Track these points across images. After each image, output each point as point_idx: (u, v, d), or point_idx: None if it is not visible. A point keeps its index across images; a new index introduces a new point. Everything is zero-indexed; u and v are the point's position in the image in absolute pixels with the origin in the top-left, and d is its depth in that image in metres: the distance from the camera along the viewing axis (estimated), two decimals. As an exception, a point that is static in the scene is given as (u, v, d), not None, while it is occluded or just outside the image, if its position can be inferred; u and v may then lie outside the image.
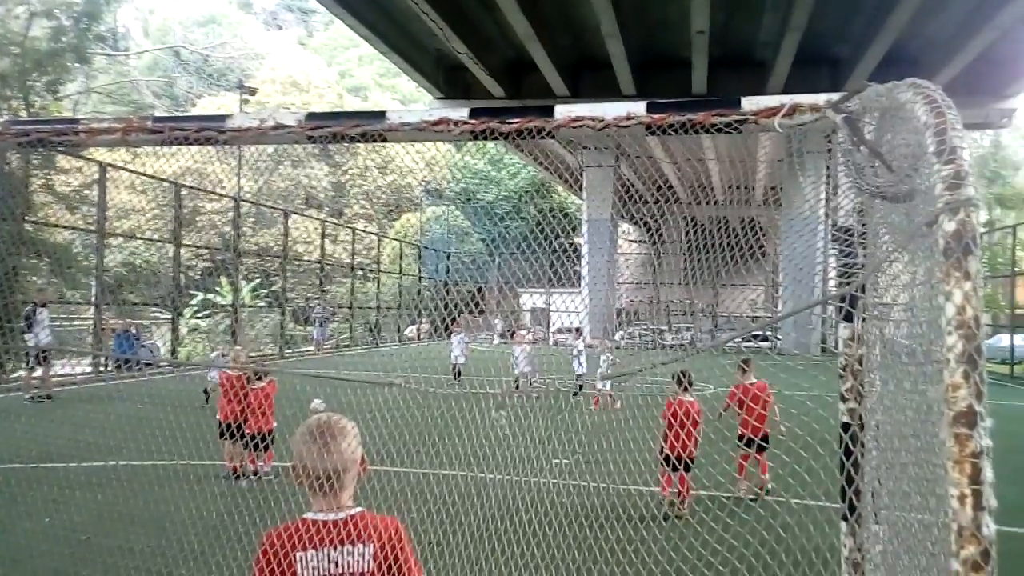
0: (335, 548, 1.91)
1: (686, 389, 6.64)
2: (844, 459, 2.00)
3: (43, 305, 13.48)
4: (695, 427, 6.45)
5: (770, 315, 40.56)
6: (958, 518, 1.46)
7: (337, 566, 1.90)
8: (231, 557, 4.25)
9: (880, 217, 2.07)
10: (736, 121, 2.44)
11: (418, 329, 34.45)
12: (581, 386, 13.25)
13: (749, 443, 6.66)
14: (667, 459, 6.31)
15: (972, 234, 1.53)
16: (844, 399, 2.08)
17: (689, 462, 6.39)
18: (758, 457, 7.00)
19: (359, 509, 1.98)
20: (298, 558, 1.89)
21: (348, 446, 1.98)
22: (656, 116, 2.55)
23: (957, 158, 1.59)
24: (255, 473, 7.53)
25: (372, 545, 1.92)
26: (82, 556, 5.00)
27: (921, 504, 1.66)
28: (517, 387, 13.66)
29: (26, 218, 17.75)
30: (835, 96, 2.27)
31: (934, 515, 1.57)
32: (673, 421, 6.35)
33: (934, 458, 1.57)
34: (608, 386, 12.03)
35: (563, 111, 2.69)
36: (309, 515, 1.96)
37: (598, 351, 14.26)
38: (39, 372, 13.18)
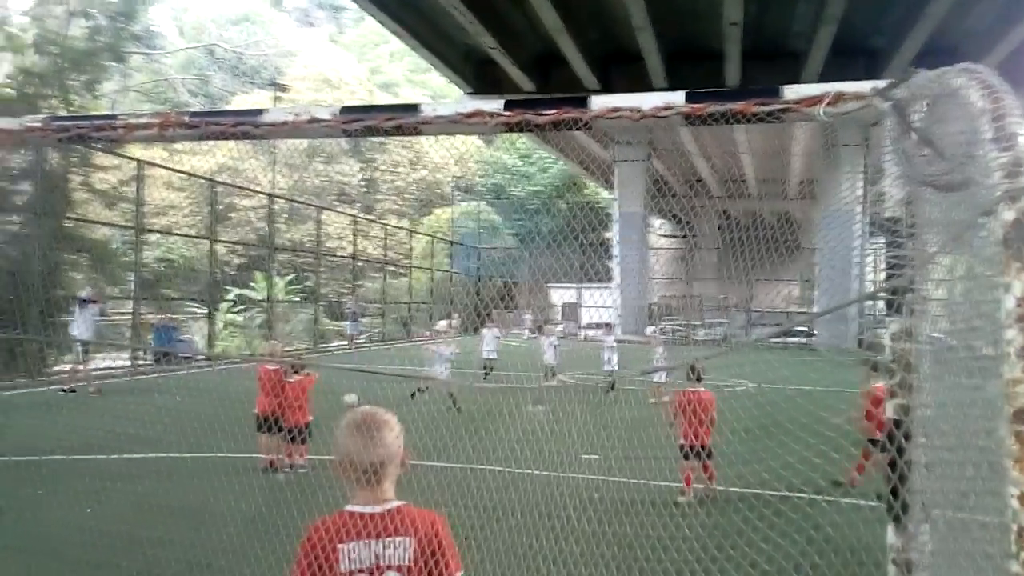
0: (376, 540, 1.92)
1: (699, 380, 7.01)
2: (897, 456, 1.94)
3: (93, 301, 13.73)
4: (706, 414, 6.68)
5: (805, 310, 40.12)
6: (1018, 518, 1.41)
7: (378, 558, 1.91)
8: (269, 550, 4.27)
9: (930, 208, 2.01)
10: (778, 110, 2.38)
11: (450, 324, 34.54)
12: (613, 383, 13.10)
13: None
14: (684, 450, 6.61)
15: (1033, 223, 1.47)
16: (893, 395, 2.02)
17: (702, 449, 6.59)
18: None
19: (400, 502, 1.99)
20: (340, 549, 1.90)
21: (391, 439, 1.99)
22: (695, 106, 2.50)
23: (1016, 145, 1.53)
24: (291, 466, 7.59)
25: (412, 538, 1.92)
26: (123, 547, 5.07)
27: (978, 504, 1.61)
28: (545, 377, 13.72)
29: (66, 215, 18.08)
30: (881, 83, 2.20)
31: (993, 515, 1.52)
32: (684, 411, 6.65)
33: (993, 456, 1.52)
34: (663, 376, 11.84)
35: (599, 102, 2.65)
36: (350, 507, 1.97)
37: (651, 346, 14.15)
38: (81, 365, 13.41)
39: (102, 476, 6.42)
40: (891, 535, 2.10)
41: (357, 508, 1.96)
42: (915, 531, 1.98)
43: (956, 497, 1.75)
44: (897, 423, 1.99)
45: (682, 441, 6.60)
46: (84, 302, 13.35)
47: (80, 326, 13.16)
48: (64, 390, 12.97)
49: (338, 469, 2.01)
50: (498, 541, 4.21)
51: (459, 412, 10.68)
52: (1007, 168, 1.49)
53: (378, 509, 1.95)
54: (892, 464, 1.98)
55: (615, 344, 14.57)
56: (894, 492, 1.96)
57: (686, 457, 6.59)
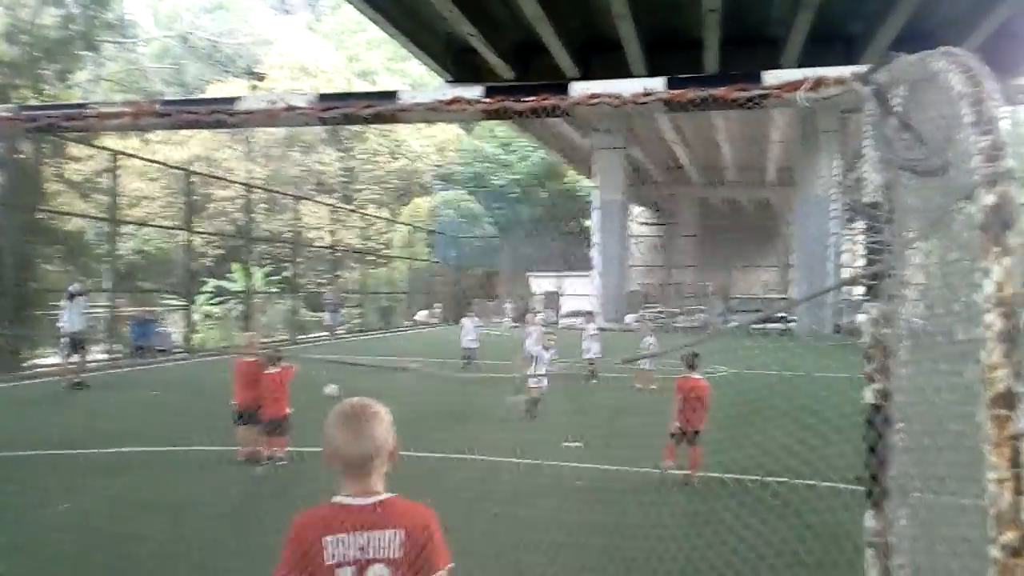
0: (363, 533, 1.89)
1: (693, 368, 7.07)
2: (874, 442, 1.95)
3: (82, 294, 13.54)
4: (701, 402, 6.82)
5: (783, 296, 40.39)
6: (997, 503, 1.41)
7: (364, 551, 1.88)
8: (246, 543, 4.25)
9: (909, 192, 2.01)
10: (759, 96, 2.37)
11: (430, 313, 34.50)
12: (594, 371, 13.06)
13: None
14: (677, 432, 6.73)
15: (1011, 207, 1.47)
16: (872, 379, 2.03)
17: (695, 435, 6.72)
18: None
19: (389, 495, 1.97)
20: (325, 541, 1.88)
21: (381, 431, 1.97)
22: (675, 92, 2.48)
23: (995, 128, 1.53)
24: (269, 459, 7.53)
25: (401, 531, 1.90)
26: (99, 543, 5.01)
27: (958, 488, 1.61)
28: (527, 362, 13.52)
29: (39, 207, 17.81)
30: (862, 68, 2.19)
31: (971, 499, 1.52)
32: (686, 399, 6.77)
33: (970, 441, 1.52)
34: (650, 364, 11.82)
35: (579, 88, 2.63)
36: (339, 499, 1.95)
37: (640, 334, 13.80)
38: (75, 359, 13.18)
39: (78, 471, 6.35)
40: (869, 519, 2.11)
41: (344, 500, 1.93)
42: (893, 516, 1.99)
43: (934, 482, 1.76)
44: (876, 408, 2.00)
45: (677, 424, 6.70)
46: (72, 295, 13.16)
47: (71, 319, 12.97)
48: (77, 383, 12.71)
49: (326, 460, 1.98)
50: (477, 531, 4.20)
51: (532, 419, 10.04)
52: (986, 152, 1.49)
53: (366, 501, 1.92)
54: (872, 449, 1.98)
55: (596, 332, 14.46)
56: (873, 477, 1.97)
57: (677, 441, 6.72)
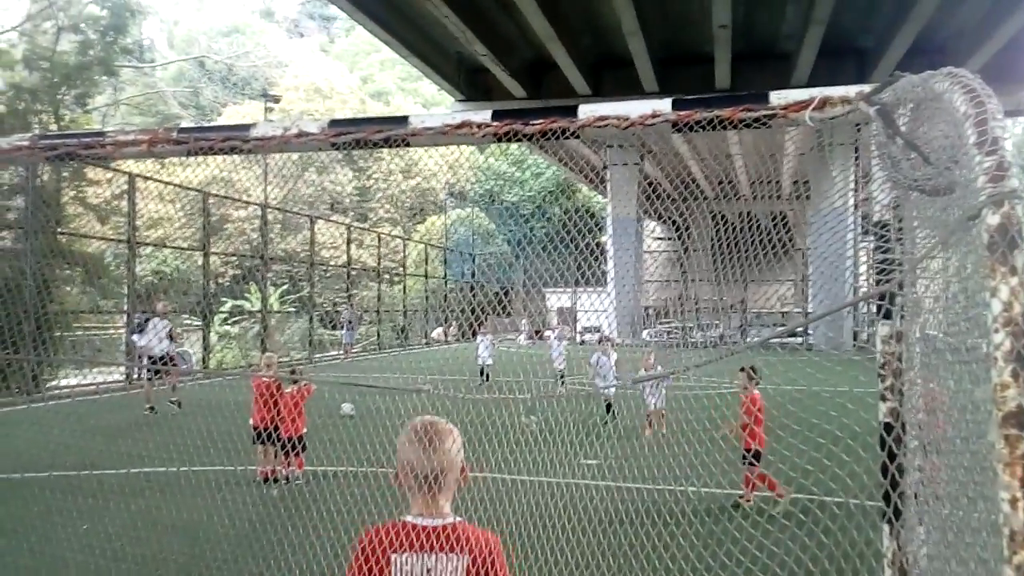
0: (429, 554, 1.89)
1: (756, 383, 6.80)
2: (888, 461, 1.95)
3: (163, 315, 13.59)
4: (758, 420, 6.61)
5: (800, 310, 40.20)
6: (1010, 522, 1.41)
7: (430, 573, 1.88)
8: (266, 563, 4.26)
9: (918, 211, 2.02)
10: (765, 116, 2.39)
11: (445, 331, 34.56)
12: (609, 404, 11.52)
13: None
14: (752, 455, 6.49)
15: (1017, 227, 1.47)
16: (884, 398, 2.03)
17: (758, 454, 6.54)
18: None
19: (457, 519, 1.97)
20: (393, 560, 1.89)
21: (451, 449, 1.97)
22: (682, 113, 2.51)
23: (999, 149, 1.53)
24: (287, 478, 7.57)
25: (466, 556, 1.89)
26: (120, 565, 5.04)
27: (970, 508, 1.61)
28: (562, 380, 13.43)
29: (59, 230, 18.03)
30: (866, 87, 2.21)
31: (985, 519, 1.52)
32: (759, 415, 6.53)
33: (983, 460, 1.52)
34: (659, 403, 10.22)
35: (587, 111, 2.66)
36: (408, 518, 1.95)
37: (644, 361, 11.63)
38: (158, 382, 13.15)
39: (97, 493, 6.39)
40: (886, 539, 2.10)
41: (414, 519, 1.94)
42: (909, 535, 1.98)
43: (949, 501, 1.75)
44: (888, 427, 1.99)
45: (754, 447, 6.49)
46: (148, 319, 13.19)
47: (152, 343, 12.99)
48: (152, 409, 12.61)
49: (398, 477, 1.99)
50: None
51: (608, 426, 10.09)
52: (991, 172, 1.50)
53: (434, 522, 1.92)
54: (885, 468, 1.98)
55: (610, 361, 11.99)
56: (886, 497, 1.96)
57: (753, 463, 6.50)
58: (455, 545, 1.89)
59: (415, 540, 1.89)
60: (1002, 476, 1.43)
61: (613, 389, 10.12)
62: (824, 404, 3.09)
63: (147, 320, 13.22)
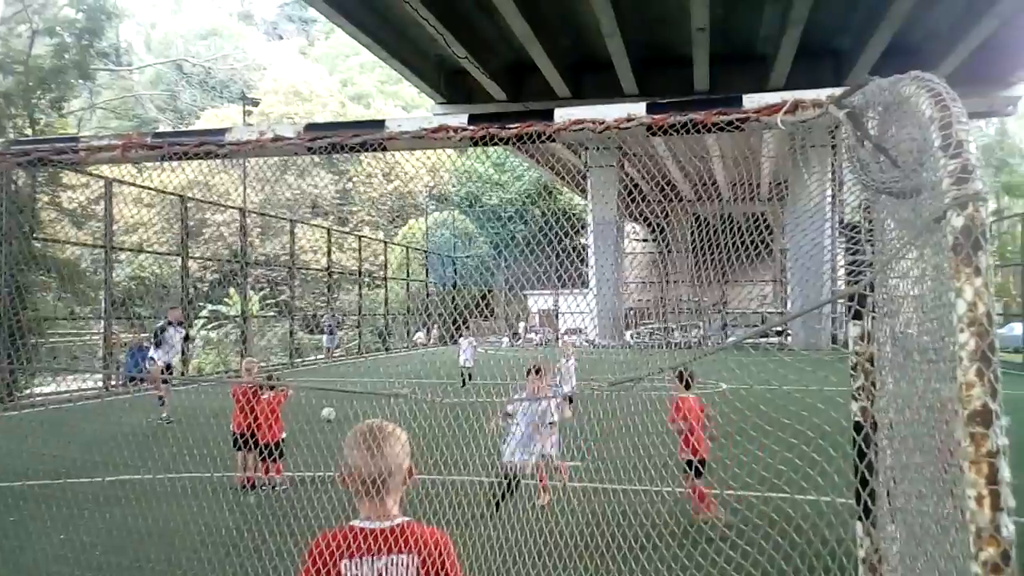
0: (380, 557, 1.90)
1: (688, 387, 6.39)
2: (857, 460, 1.97)
3: (179, 324, 13.33)
4: (700, 424, 6.23)
5: (779, 311, 40.45)
6: (976, 519, 1.43)
7: (381, 575, 1.89)
8: (244, 570, 4.23)
9: (887, 213, 2.05)
10: (738, 119, 2.42)
11: (428, 334, 34.50)
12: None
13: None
14: (688, 464, 6.12)
15: (981, 229, 1.50)
16: (856, 398, 2.05)
17: (700, 466, 6.15)
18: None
19: (406, 519, 1.98)
20: (344, 566, 1.89)
21: (396, 451, 1.98)
22: (657, 117, 2.53)
23: (963, 152, 1.56)
24: (265, 484, 7.52)
25: (416, 556, 1.91)
26: (95, 575, 4.99)
27: (938, 505, 1.63)
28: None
29: (34, 235, 17.80)
30: (838, 91, 2.24)
31: (952, 516, 1.54)
32: (687, 421, 6.15)
33: (950, 458, 1.55)
34: (554, 454, 7.30)
35: (563, 114, 2.68)
36: (356, 523, 1.96)
37: (560, 356, 10.69)
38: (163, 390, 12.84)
39: (74, 502, 6.31)
40: (858, 537, 2.13)
41: (362, 524, 1.94)
42: (880, 533, 2.01)
43: (918, 499, 1.78)
44: (858, 426, 2.02)
45: (689, 457, 6.07)
46: (164, 328, 12.93)
47: (169, 353, 12.83)
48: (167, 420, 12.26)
49: (343, 480, 1.99)
50: (470, 558, 4.20)
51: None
52: (955, 175, 1.52)
53: (382, 524, 1.93)
54: (857, 465, 2.00)
55: (573, 366, 10.61)
56: (858, 495, 1.99)
57: (696, 474, 6.11)
58: (404, 545, 1.91)
59: (363, 544, 1.90)
60: (968, 473, 1.45)
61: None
62: (795, 404, 3.12)
63: (163, 331, 12.97)
